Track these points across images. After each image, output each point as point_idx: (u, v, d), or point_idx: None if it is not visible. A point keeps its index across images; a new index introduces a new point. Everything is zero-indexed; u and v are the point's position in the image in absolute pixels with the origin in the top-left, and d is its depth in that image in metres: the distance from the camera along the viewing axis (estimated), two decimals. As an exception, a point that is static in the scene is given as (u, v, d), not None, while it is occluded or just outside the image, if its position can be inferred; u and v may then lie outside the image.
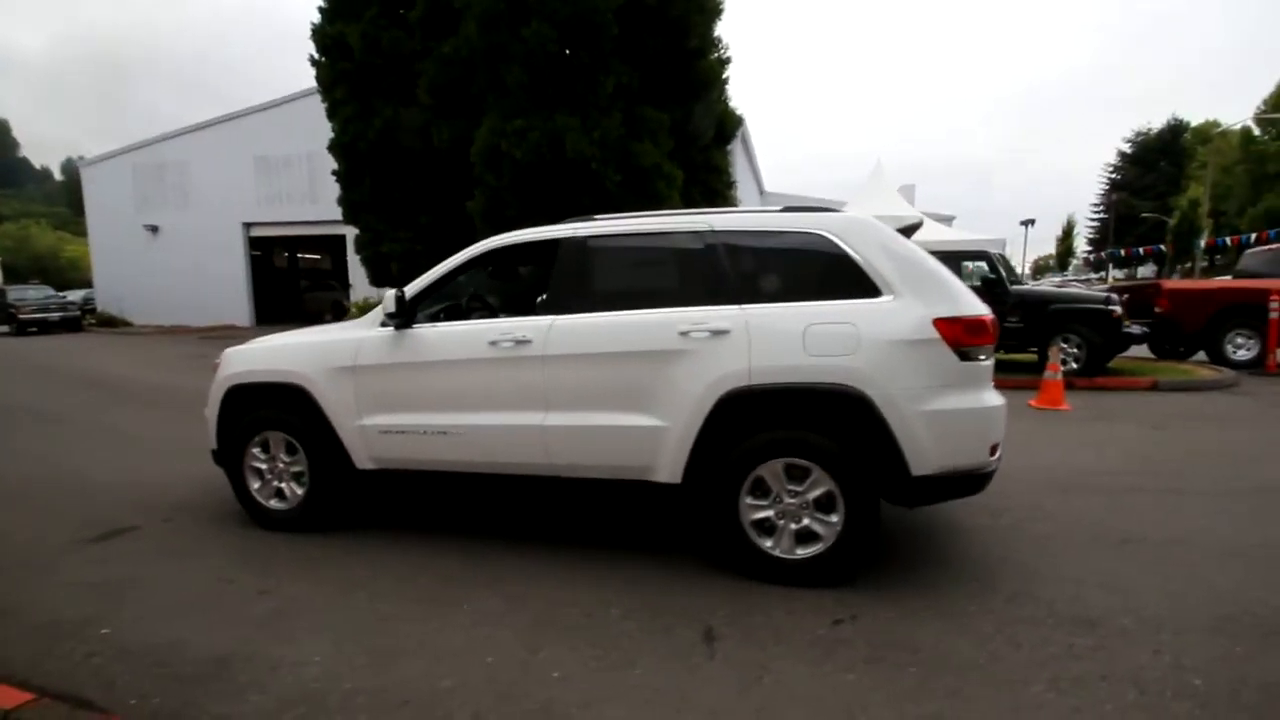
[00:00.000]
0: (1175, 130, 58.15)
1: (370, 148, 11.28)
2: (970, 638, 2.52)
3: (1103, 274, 45.20)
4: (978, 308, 2.89)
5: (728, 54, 12.43)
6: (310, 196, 20.13)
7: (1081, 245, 60.73)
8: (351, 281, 20.09)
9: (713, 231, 3.16)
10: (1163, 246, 32.68)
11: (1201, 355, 10.06)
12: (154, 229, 21.76)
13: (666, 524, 3.76)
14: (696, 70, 10.86)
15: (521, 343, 3.24)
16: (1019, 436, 5.38)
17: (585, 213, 10.14)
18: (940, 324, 2.82)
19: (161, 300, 21.47)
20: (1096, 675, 2.27)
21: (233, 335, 18.35)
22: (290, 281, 26.41)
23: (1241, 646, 2.43)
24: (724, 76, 11.23)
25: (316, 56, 11.70)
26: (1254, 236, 22.43)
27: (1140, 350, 10.13)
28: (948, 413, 2.81)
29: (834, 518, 2.90)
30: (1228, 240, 27.78)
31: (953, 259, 8.04)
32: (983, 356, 2.89)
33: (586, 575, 3.11)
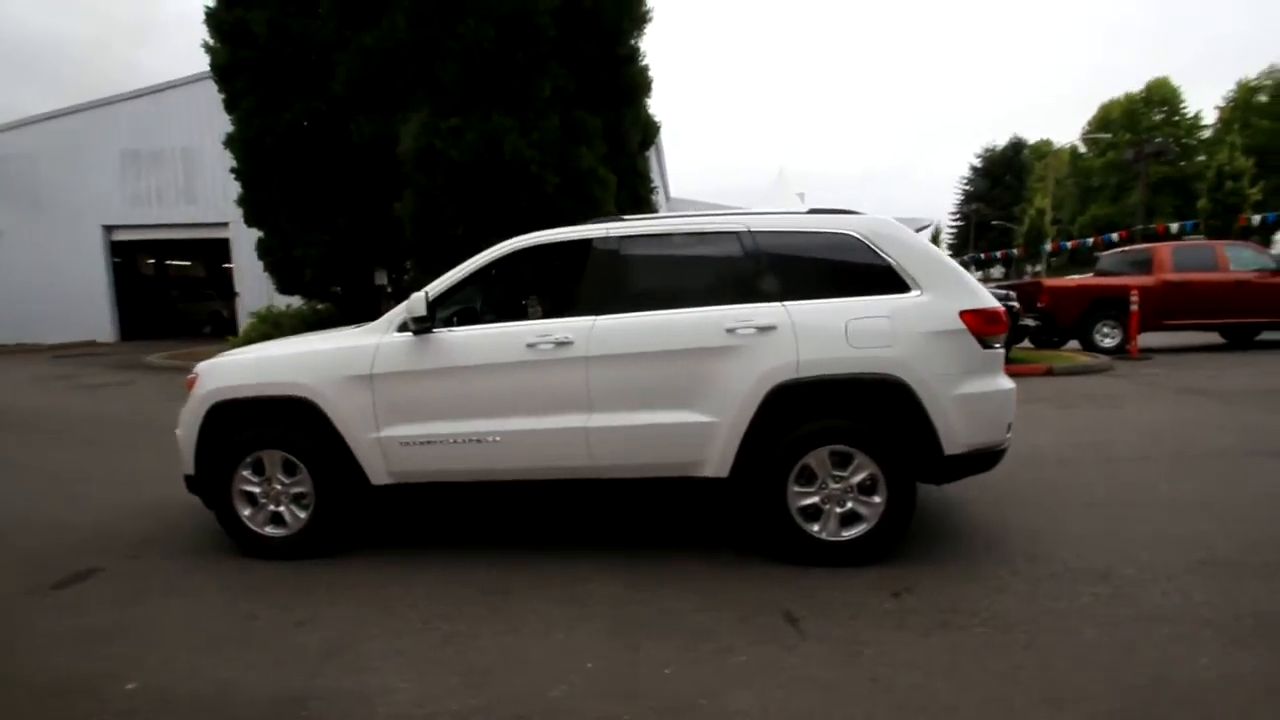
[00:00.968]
0: (1016, 147, 65.60)
1: (278, 143, 10.43)
2: (1013, 597, 2.79)
3: (981, 274, 50.23)
4: (993, 300, 3.20)
5: (645, 61, 12.70)
6: (187, 195, 18.22)
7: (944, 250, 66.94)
8: (238, 290, 18.38)
9: (749, 232, 3.27)
10: (1015, 250, 36.83)
11: (1074, 344, 11.51)
12: (-11, 233, 18.78)
13: (690, 519, 3.82)
14: (626, 76, 10.98)
15: (562, 344, 3.19)
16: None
17: (523, 216, 10.01)
18: (965, 316, 3.09)
19: (2, 315, 18.57)
20: (1129, 617, 2.59)
21: (93, 353, 16.24)
22: (159, 291, 23.73)
23: (1222, 583, 2.86)
24: (651, 83, 11.44)
25: (212, 43, 10.66)
26: (1092, 241, 25.82)
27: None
28: (973, 396, 3.09)
29: (876, 499, 3.10)
30: (1068, 244, 31.86)
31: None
32: (997, 344, 3.20)
33: (636, 574, 3.11)
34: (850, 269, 3.21)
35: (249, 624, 2.77)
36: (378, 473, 3.35)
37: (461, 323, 3.54)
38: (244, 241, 17.61)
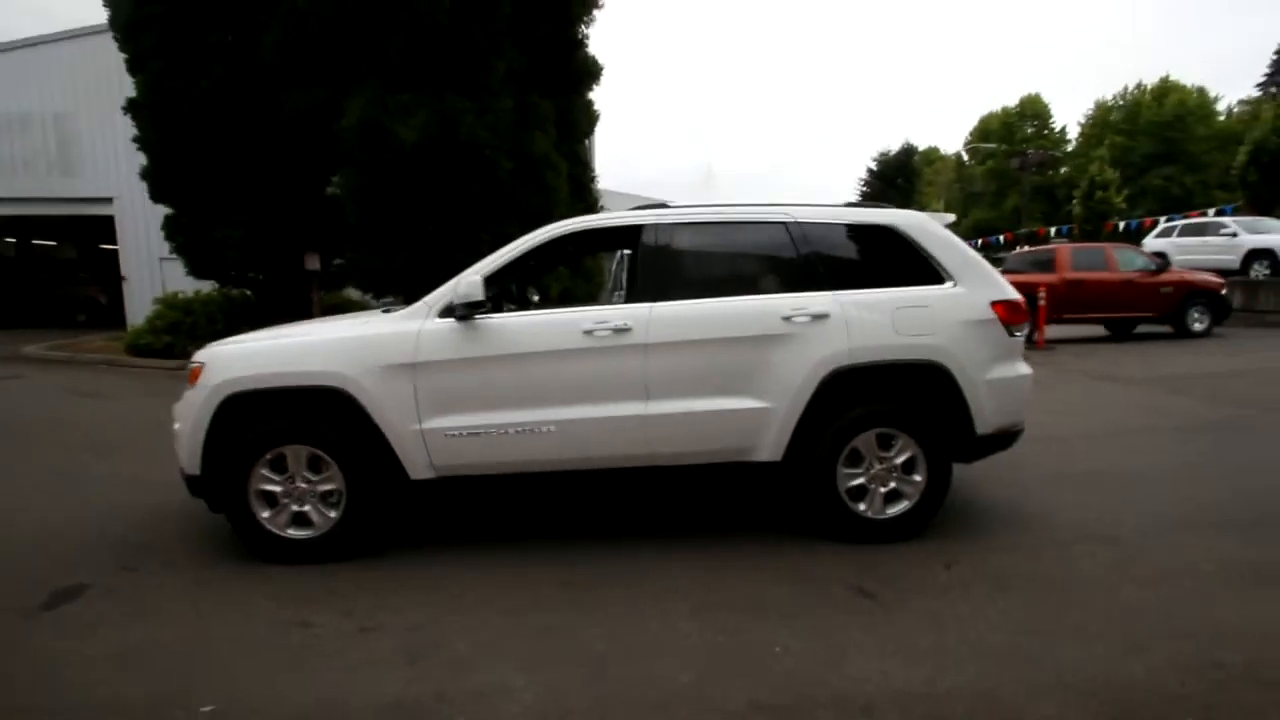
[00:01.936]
0: (908, 153, 70.30)
1: (195, 111, 9.44)
2: (1048, 563, 3.07)
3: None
4: (1015, 292, 3.47)
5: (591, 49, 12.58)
6: (61, 167, 16.10)
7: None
8: (125, 274, 16.52)
9: (797, 223, 3.36)
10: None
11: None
12: None
13: (718, 504, 3.90)
14: (577, 61, 10.82)
15: (620, 331, 3.15)
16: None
17: (476, 201, 9.66)
18: (996, 306, 3.34)
19: None
20: (1155, 574, 2.92)
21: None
22: (24, 275, 20.88)
23: (1206, 540, 3.26)
24: (601, 70, 11.33)
25: (112, -6, 9.46)
26: (980, 241, 28.17)
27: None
28: (1002, 380, 3.35)
29: (917, 477, 3.29)
30: (960, 244, 34.42)
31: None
32: (1019, 333, 3.48)
33: (699, 558, 3.15)
34: (890, 260, 3.38)
35: (306, 633, 2.56)
36: (418, 467, 3.18)
37: (494, 309, 3.41)
38: (134, 220, 15.93)
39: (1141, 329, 12.97)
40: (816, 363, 3.17)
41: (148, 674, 2.30)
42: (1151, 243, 15.69)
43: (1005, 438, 3.45)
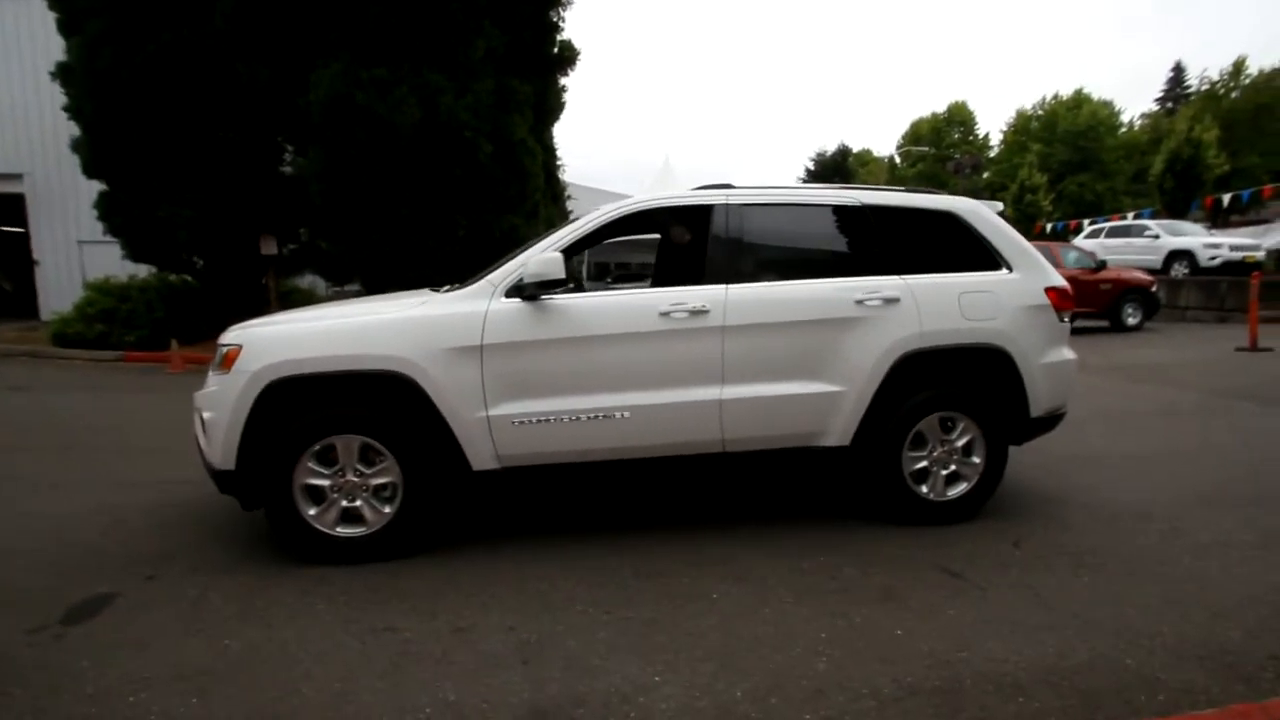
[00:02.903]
0: (843, 154, 72.78)
1: (137, 79, 8.61)
2: (1104, 538, 3.18)
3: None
4: (1063, 279, 3.58)
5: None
6: (-42, 138, 14.44)
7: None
8: (38, 258, 15.01)
9: (863, 207, 3.35)
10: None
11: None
12: None
13: (772, 488, 3.87)
14: (554, 45, 10.54)
15: (698, 313, 3.06)
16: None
17: (455, 183, 9.26)
18: (1049, 292, 3.44)
19: None
20: (1196, 546, 3.07)
21: None
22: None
23: (1231, 512, 3.46)
24: (578, 54, 11.07)
25: (37, -56, 8.49)
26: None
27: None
28: (1054, 364, 3.45)
29: (976, 459, 3.36)
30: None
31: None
32: (1067, 319, 3.59)
33: (775, 545, 3.10)
34: (952, 246, 3.42)
35: (395, 639, 2.35)
36: (482, 456, 2.99)
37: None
38: (47, 199, 14.52)
39: (1079, 323, 13.88)
40: (889, 346, 3.17)
41: (239, 696, 2.04)
42: (1081, 243, 16.78)
43: (1053, 420, 3.56)
